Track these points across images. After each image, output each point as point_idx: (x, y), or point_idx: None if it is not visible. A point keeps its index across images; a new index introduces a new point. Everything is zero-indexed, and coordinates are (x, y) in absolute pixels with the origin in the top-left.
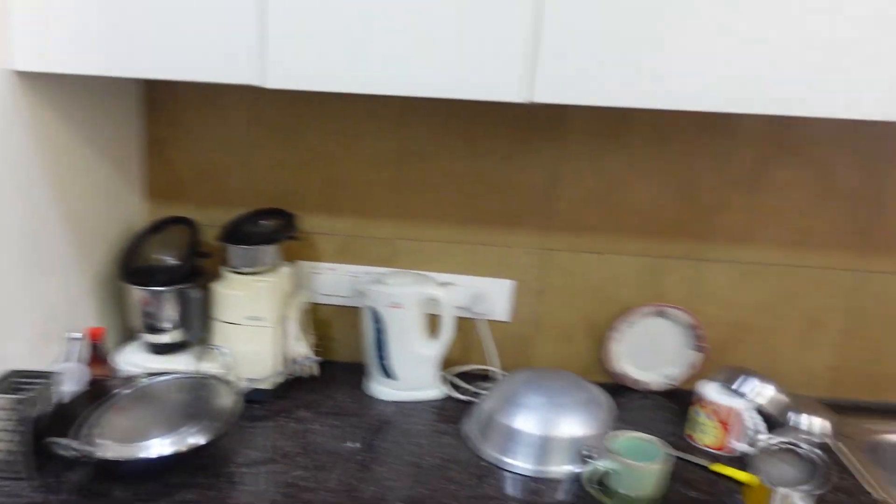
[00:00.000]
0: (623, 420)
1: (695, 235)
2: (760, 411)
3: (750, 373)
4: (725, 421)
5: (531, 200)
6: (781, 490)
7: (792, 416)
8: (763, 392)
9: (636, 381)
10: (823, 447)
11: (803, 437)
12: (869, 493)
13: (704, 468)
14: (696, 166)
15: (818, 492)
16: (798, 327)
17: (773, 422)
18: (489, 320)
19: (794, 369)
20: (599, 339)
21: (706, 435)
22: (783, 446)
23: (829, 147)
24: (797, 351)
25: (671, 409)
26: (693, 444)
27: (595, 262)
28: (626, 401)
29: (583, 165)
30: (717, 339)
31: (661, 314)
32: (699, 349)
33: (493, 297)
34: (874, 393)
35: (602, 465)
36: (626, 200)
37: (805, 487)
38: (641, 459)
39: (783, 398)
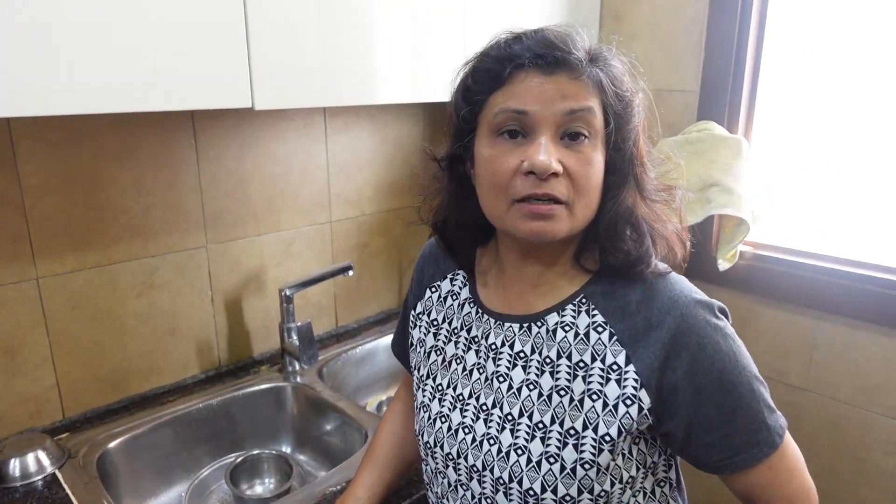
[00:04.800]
0: None
1: None
2: None
3: None
4: None
5: None
6: None
7: (13, 463)
8: None
9: None
10: (48, 481)
11: None
12: None
13: None
14: None
15: None
16: None
17: None
18: None
19: (13, 404)
20: None
21: None
22: None
23: None
24: (6, 384)
25: None
26: None
27: None
28: None
29: None
30: None
31: None
32: None
33: None
34: (118, 391)
35: None
36: None
37: None
38: None
39: None
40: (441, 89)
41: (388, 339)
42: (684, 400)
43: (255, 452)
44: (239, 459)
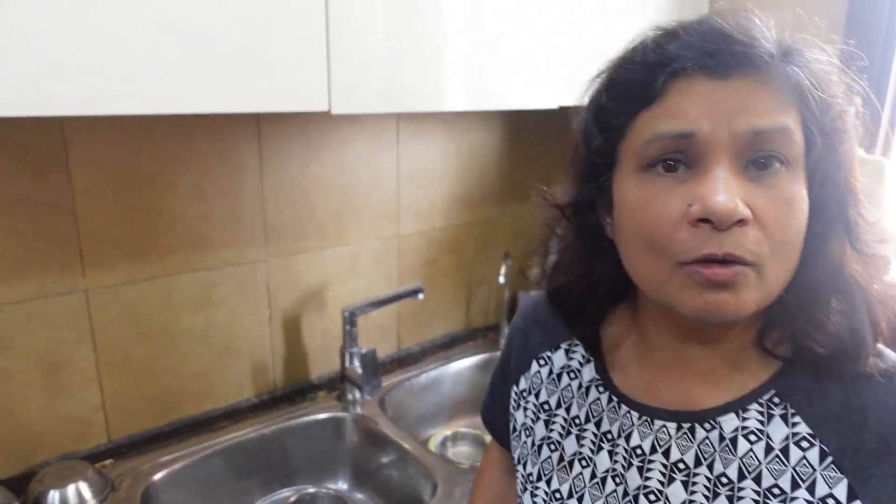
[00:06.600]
0: None
1: None
2: None
3: None
4: None
5: None
6: None
7: (51, 496)
8: None
9: None
10: None
11: None
12: None
13: None
14: None
15: None
16: (38, 378)
17: None
18: None
19: (57, 426)
20: None
21: None
22: None
23: None
24: (49, 405)
25: None
26: None
27: None
28: None
29: None
30: None
31: None
32: None
33: None
34: (169, 414)
35: None
36: None
37: None
38: None
39: None
40: (519, 95)
41: (453, 367)
42: None
43: (310, 490)
44: (292, 499)
